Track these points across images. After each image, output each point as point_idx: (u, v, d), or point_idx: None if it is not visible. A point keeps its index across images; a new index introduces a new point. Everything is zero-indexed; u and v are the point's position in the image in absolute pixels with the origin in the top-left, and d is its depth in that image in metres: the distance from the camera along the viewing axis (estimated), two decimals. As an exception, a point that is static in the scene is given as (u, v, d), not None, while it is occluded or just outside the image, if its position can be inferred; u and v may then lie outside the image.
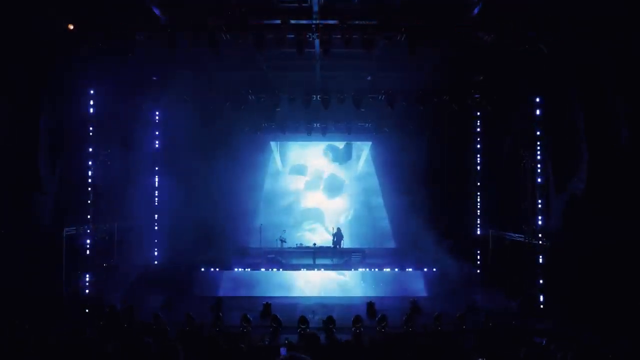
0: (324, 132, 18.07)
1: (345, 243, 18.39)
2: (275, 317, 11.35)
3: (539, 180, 13.55)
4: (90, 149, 13.46)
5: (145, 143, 16.80)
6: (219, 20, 10.34)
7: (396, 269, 16.05)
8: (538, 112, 13.53)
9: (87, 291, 13.19)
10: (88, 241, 13.17)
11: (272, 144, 20.57)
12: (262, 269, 16.01)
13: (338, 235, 18.29)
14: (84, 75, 12.93)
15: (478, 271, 17.47)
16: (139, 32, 10.72)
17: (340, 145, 20.58)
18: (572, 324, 11.32)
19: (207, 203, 17.46)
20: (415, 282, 15.60)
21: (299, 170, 20.86)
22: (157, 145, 17.43)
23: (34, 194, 11.76)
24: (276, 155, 20.81)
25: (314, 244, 18.07)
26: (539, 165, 13.59)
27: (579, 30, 10.25)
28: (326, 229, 18.36)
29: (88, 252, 13.12)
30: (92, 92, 13.44)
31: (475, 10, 10.03)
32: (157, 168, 17.38)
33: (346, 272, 15.96)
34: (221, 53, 10.88)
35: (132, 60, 12.02)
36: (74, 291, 12.86)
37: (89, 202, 13.36)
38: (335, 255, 17.32)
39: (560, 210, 12.89)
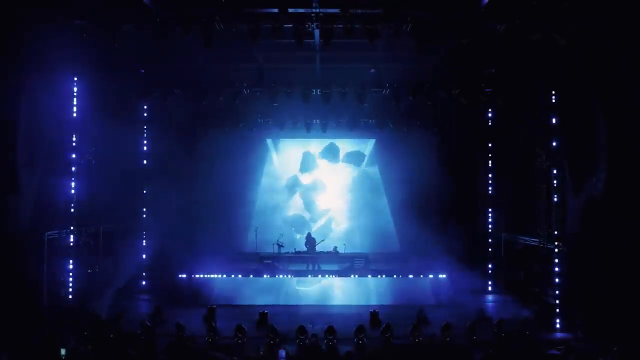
0: (324, 129, 18.00)
1: (347, 247, 18.35)
2: (272, 327, 11.34)
3: (555, 180, 13.52)
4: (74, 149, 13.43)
5: (132, 140, 16.79)
6: (211, 9, 10.33)
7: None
8: (553, 108, 13.51)
9: (70, 298, 13.17)
10: (71, 246, 13.15)
11: (269, 141, 20.56)
12: (259, 276, 15.97)
13: (309, 240, 18.15)
14: (67, 71, 12.90)
15: (489, 278, 17.47)
16: (126, 22, 10.69)
17: (341, 143, 20.56)
18: (591, 334, 11.31)
19: (199, 205, 17.45)
20: (422, 289, 15.58)
21: (297, 169, 20.83)
22: (144, 143, 17.40)
23: (11, 196, 11.71)
24: (273, 154, 20.80)
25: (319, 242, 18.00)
26: (554, 164, 13.57)
27: (594, 21, 10.24)
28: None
29: (71, 257, 13.09)
30: (75, 87, 13.40)
31: (486, -1, 10.04)
32: (145, 166, 17.34)
33: (348, 279, 15.92)
34: (214, 44, 10.87)
35: (118, 53, 12.00)
36: (56, 299, 12.84)
37: (72, 204, 13.32)
38: (336, 261, 17.28)
39: (577, 212, 12.87)
